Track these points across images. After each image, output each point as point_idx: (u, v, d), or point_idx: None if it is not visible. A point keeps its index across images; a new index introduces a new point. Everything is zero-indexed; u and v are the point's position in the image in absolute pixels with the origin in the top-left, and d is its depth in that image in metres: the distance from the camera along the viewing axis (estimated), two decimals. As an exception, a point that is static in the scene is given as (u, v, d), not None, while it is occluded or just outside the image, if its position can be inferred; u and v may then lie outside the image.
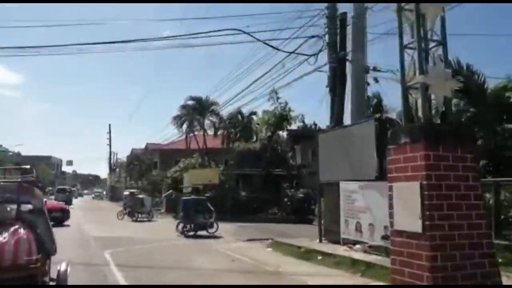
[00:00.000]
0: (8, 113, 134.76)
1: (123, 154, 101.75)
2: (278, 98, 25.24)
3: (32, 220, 4.75)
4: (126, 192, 41.50)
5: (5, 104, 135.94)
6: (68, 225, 18.99)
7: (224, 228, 17.48)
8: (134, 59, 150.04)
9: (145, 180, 51.54)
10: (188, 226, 16.30)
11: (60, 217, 18.39)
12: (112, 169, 68.32)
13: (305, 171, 28.13)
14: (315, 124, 40.62)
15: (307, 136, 34.55)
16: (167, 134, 62.94)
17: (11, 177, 5.74)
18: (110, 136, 67.27)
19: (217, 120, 32.89)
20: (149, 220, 24.26)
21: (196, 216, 16.43)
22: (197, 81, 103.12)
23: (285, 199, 24.83)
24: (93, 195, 78.40)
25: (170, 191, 28.61)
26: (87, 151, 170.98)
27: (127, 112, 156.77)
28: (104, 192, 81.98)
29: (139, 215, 24.33)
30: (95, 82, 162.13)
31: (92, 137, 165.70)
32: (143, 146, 57.13)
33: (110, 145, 67.28)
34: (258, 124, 26.37)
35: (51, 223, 5.18)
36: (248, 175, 28.49)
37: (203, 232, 16.07)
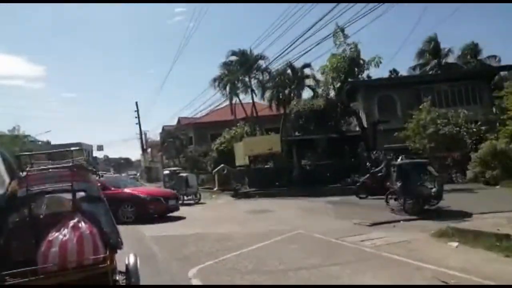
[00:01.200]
0: (33, 105, 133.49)
1: (153, 133, 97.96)
2: (346, 36, 20.13)
3: (92, 210, 4.11)
4: (166, 171, 37.99)
5: (30, 95, 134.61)
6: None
7: (309, 206, 13.21)
8: (155, 31, 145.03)
9: (182, 157, 47.88)
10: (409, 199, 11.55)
11: (175, 207, 14.14)
12: (144, 149, 65.03)
13: (382, 128, 23.43)
14: (395, 71, 35.17)
15: (384, 85, 29.80)
16: (201, 106, 58.99)
17: (59, 162, 4.53)
18: (138, 114, 63.46)
19: (266, 78, 28.04)
20: (197, 202, 20.04)
21: (419, 186, 11.45)
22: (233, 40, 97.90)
23: (367, 164, 20.18)
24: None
25: (222, 165, 24.41)
26: (117, 135, 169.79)
27: (154, 89, 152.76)
28: (138, 174, 79.70)
29: (185, 197, 20.04)
30: (116, 66, 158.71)
31: (120, 120, 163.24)
32: (174, 122, 53.43)
33: (139, 123, 63.54)
34: (322, 73, 21.32)
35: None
36: (312, 140, 23.93)
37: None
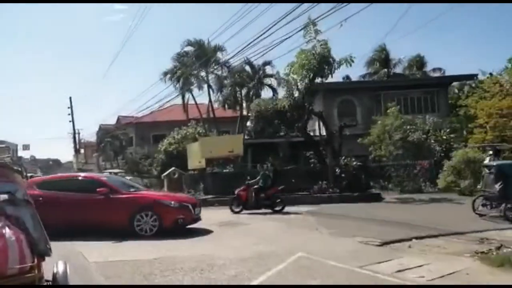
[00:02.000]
0: None
1: (88, 133, 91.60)
2: (317, 31, 18.32)
3: (18, 214, 3.79)
4: (105, 174, 34.08)
5: None
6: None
7: (285, 217, 11.22)
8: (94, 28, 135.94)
9: (121, 159, 43.82)
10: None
11: (198, 217, 10.67)
12: (77, 150, 59.30)
13: (347, 133, 22.02)
14: (348, 78, 34.19)
15: (344, 89, 28.52)
16: (146, 103, 55.04)
17: None
18: (72, 111, 57.29)
19: (224, 74, 25.58)
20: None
21: None
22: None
23: (336, 170, 18.53)
24: (57, 181, 69.00)
25: (173, 168, 21.59)
26: (45, 134, 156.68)
27: (90, 87, 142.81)
28: (69, 176, 73.12)
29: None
30: (47, 61, 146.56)
31: (50, 119, 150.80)
32: (112, 122, 49.03)
33: (72, 121, 57.63)
34: (289, 71, 19.26)
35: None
36: (273, 143, 21.97)
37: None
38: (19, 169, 4.35)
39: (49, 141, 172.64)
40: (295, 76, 20.00)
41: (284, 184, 18.75)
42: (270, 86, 25.38)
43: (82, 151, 64.59)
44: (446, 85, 29.81)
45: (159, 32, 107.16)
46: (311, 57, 18.70)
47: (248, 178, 15.66)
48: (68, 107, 57.85)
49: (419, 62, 44.07)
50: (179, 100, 29.73)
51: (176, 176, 21.53)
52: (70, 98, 60.18)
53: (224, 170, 19.88)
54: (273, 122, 21.33)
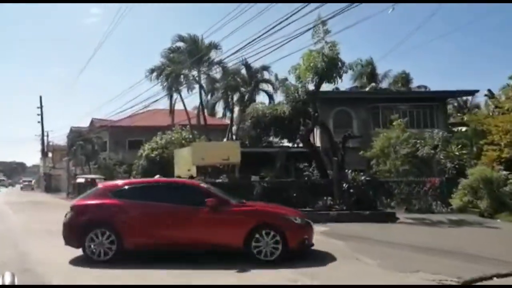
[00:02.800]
0: None
1: (57, 136, 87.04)
2: (326, 32, 16.64)
3: None
4: (80, 179, 30.91)
5: None
6: None
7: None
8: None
9: (94, 165, 40.64)
10: None
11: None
12: (44, 152, 55.43)
13: (350, 145, 20.30)
14: (337, 89, 32.73)
15: (340, 99, 26.86)
16: (120, 107, 51.94)
17: None
18: (41, 111, 54.26)
19: (218, 74, 23.44)
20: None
21: None
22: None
23: (344, 185, 16.67)
24: (21, 185, 64.44)
25: (157, 176, 19.16)
26: (9, 135, 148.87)
27: (61, 89, 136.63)
28: (34, 181, 68.44)
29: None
30: (14, 61, 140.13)
31: (15, 120, 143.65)
32: (84, 124, 45.82)
33: (42, 121, 54.26)
34: (294, 72, 17.33)
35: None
36: (271, 153, 20.01)
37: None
38: None
39: (14, 143, 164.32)
40: (298, 81, 18.29)
41: (282, 199, 16.89)
42: (266, 92, 23.46)
43: (49, 154, 60.70)
44: (444, 100, 28.84)
45: (142, 31, 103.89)
46: (319, 59, 16.94)
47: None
48: (38, 107, 54.55)
49: (404, 78, 43.82)
50: (163, 104, 27.35)
51: (160, 185, 19.08)
52: (40, 97, 56.53)
53: (217, 180, 17.68)
54: (269, 129, 19.32)
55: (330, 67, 17.11)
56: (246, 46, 15.91)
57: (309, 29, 16.98)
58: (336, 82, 17.50)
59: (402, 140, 19.78)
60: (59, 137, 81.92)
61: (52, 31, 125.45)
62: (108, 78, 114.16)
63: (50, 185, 53.88)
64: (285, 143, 21.55)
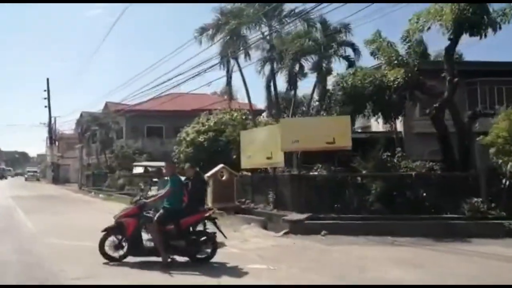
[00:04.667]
0: None
1: (63, 121, 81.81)
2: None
3: None
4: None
5: None
6: None
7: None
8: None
9: (110, 153, 35.60)
10: None
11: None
12: (53, 140, 50.38)
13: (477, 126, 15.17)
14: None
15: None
16: (138, 90, 46.94)
17: None
18: (48, 94, 49.12)
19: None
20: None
21: None
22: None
23: (504, 181, 11.57)
24: (25, 176, 59.58)
25: (220, 166, 14.10)
26: (14, 123, 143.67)
27: (68, 72, 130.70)
28: (39, 172, 63.54)
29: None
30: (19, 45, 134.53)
31: (20, 107, 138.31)
32: (95, 110, 40.56)
33: (49, 106, 49.10)
34: (417, 21, 12.34)
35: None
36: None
37: None
38: None
39: (17, 131, 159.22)
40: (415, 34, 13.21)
41: (408, 201, 11.87)
42: (347, 58, 18.23)
43: (56, 143, 55.69)
44: None
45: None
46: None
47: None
48: (44, 90, 49.40)
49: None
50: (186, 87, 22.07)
51: (225, 177, 13.99)
52: (48, 79, 51.36)
53: (312, 173, 12.60)
54: (365, 104, 14.20)
55: (478, 12, 12.01)
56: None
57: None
58: (485, 35, 12.33)
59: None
60: (65, 124, 76.79)
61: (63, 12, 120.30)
62: (122, 60, 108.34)
63: (58, 176, 48.91)
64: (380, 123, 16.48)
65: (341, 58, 18.33)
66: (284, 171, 13.48)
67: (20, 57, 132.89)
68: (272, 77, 18.91)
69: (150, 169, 11.33)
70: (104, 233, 6.88)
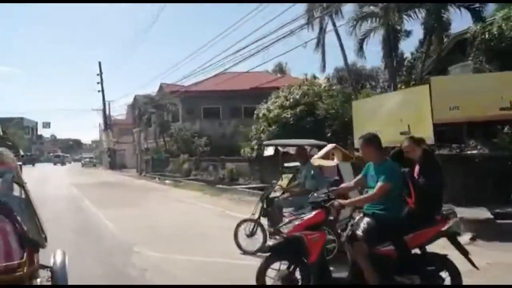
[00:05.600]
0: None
1: (115, 106, 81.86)
2: None
3: (7, 202, 3.09)
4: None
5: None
6: None
7: None
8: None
9: (169, 138, 33.66)
10: None
11: None
12: (108, 125, 49.54)
13: None
14: None
15: None
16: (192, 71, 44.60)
17: None
18: (101, 78, 47.98)
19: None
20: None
21: None
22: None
23: None
24: (82, 162, 59.80)
25: (331, 145, 10.99)
26: (67, 110, 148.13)
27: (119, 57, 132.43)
28: (94, 158, 63.77)
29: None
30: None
31: (72, 95, 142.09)
32: (148, 92, 38.50)
33: (102, 90, 48.05)
34: None
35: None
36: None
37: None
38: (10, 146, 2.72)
39: (71, 119, 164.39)
40: None
41: None
42: (473, 9, 14.42)
43: (109, 130, 55.08)
44: None
45: None
46: None
47: None
48: (97, 74, 48.37)
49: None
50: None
51: (336, 161, 10.94)
52: (100, 63, 50.21)
53: (472, 152, 9.30)
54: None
55: None
56: None
57: None
58: None
59: None
60: (117, 109, 76.84)
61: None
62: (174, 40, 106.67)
63: (114, 162, 48.13)
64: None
65: (461, 8, 14.54)
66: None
67: (70, 39, 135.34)
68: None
69: (281, 149, 8.13)
70: (267, 254, 4.07)
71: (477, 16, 14.39)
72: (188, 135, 32.12)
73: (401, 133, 9.76)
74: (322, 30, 16.33)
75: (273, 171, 16.04)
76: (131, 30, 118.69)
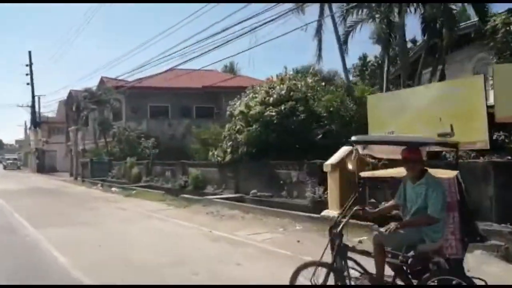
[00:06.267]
0: None
1: (46, 101, 74.97)
2: None
3: None
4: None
5: None
6: None
7: None
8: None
9: (114, 138, 29.81)
10: None
11: None
12: (37, 123, 43.79)
13: None
14: None
15: None
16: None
17: None
18: (31, 70, 42.39)
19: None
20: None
21: None
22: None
23: None
24: (4, 164, 52.87)
25: (346, 149, 9.01)
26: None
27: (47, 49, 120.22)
28: (18, 160, 56.76)
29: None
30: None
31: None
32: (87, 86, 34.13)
33: (32, 83, 42.32)
34: None
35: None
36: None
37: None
38: None
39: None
40: None
41: None
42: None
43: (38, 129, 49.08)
44: None
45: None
46: None
47: None
48: (26, 65, 42.60)
49: None
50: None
51: (351, 167, 8.93)
52: (30, 52, 44.42)
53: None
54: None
55: None
56: None
57: None
58: None
59: None
60: (46, 106, 69.59)
61: None
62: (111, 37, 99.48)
63: (43, 164, 42.74)
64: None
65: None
66: (474, 155, 8.41)
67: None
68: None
69: (366, 151, 5.76)
70: None
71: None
72: (133, 135, 28.70)
73: (439, 135, 8.00)
74: (322, 13, 14.36)
75: (251, 179, 13.81)
76: (67, 21, 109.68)
